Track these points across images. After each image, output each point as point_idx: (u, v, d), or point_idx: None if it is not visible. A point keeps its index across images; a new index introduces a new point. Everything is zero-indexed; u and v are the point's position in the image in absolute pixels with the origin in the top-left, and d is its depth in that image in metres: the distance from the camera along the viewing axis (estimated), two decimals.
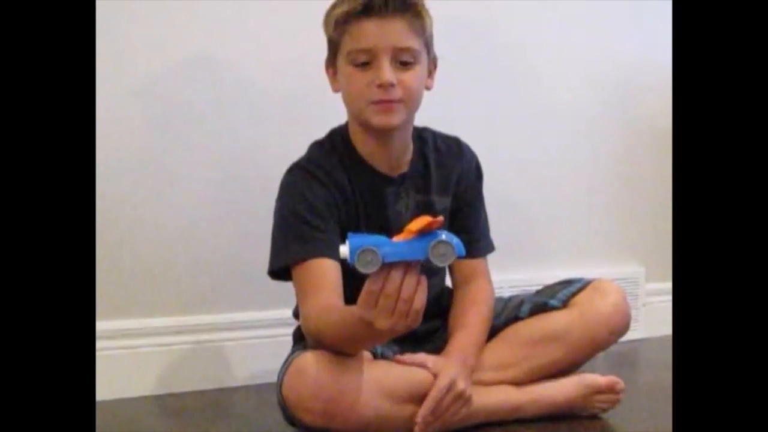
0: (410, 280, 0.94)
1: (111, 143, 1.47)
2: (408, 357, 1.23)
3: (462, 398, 1.19)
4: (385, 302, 0.95)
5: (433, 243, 0.92)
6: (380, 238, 0.93)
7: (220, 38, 1.57)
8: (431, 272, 1.09)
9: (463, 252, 0.94)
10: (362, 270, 0.93)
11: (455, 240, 0.93)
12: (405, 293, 0.95)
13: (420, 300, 0.96)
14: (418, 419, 1.17)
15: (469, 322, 1.31)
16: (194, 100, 1.56)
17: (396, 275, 0.94)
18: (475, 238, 1.37)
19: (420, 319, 0.98)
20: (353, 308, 1.01)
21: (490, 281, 1.38)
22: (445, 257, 0.92)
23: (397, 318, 0.96)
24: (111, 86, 1.46)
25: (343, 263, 0.99)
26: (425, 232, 0.92)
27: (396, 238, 0.93)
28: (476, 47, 1.80)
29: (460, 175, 1.38)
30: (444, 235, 0.92)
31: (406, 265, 0.94)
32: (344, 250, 0.93)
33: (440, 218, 0.93)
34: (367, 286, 0.96)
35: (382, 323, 0.97)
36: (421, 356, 1.23)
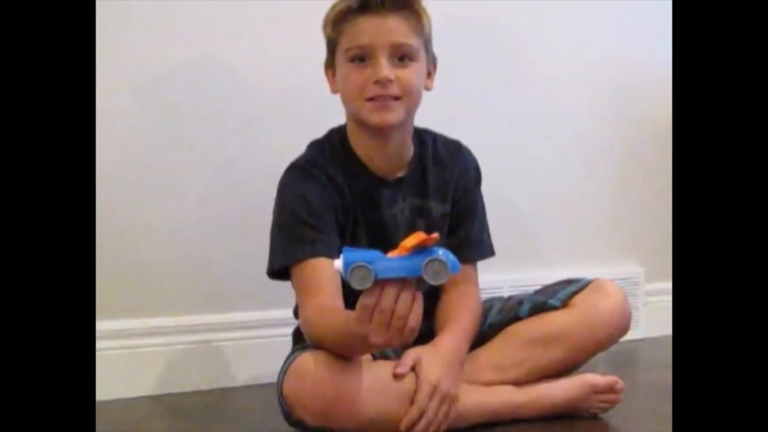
0: (405, 297, 0.94)
1: (111, 143, 1.47)
2: (400, 367, 1.19)
3: (446, 401, 1.18)
4: (379, 318, 0.95)
5: (426, 260, 0.91)
6: (374, 254, 0.93)
7: (220, 39, 1.57)
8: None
9: (458, 270, 0.93)
10: (355, 286, 0.93)
11: (450, 257, 0.92)
12: (400, 310, 0.94)
13: (416, 317, 0.95)
14: (402, 429, 1.16)
15: (457, 322, 1.29)
16: (194, 101, 1.56)
17: (391, 291, 0.94)
18: (468, 243, 1.36)
19: (415, 335, 0.97)
20: (349, 318, 1.01)
21: (477, 288, 1.37)
22: (438, 275, 0.92)
23: (392, 334, 0.96)
24: (111, 87, 1.46)
25: None
26: (421, 249, 0.92)
27: (391, 254, 0.93)
28: (475, 47, 1.80)
29: (459, 180, 1.37)
30: (440, 252, 0.92)
31: (402, 282, 0.94)
32: (338, 264, 0.92)
33: (435, 235, 0.92)
34: (362, 301, 0.96)
35: (377, 339, 0.97)
36: (407, 359, 1.19)
